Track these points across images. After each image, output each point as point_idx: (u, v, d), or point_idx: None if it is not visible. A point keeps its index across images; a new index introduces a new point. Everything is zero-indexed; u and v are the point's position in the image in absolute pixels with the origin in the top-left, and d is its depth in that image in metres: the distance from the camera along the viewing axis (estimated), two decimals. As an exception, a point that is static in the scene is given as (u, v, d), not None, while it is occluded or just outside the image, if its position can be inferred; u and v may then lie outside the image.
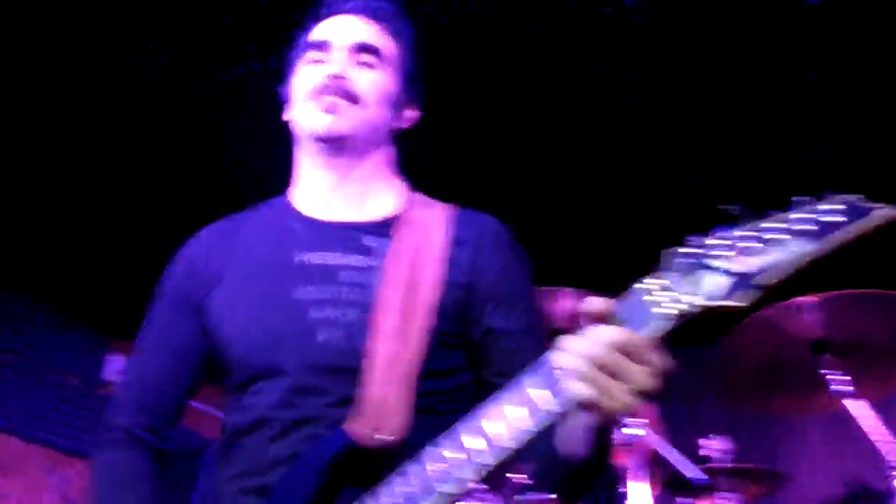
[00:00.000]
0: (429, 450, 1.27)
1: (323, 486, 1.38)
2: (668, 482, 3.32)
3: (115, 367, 6.14)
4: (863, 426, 2.90)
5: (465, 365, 1.57)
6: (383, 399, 1.41)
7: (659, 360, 1.12)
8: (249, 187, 2.35)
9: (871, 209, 1.02)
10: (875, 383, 2.90)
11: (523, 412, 1.19)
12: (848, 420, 2.88)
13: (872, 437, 2.82)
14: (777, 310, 2.84)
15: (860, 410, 2.89)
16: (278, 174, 1.79)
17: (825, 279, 2.74)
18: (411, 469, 1.28)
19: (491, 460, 1.21)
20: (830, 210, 1.02)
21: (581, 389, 1.12)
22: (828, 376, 2.91)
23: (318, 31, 1.70)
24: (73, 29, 3.57)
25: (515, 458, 1.33)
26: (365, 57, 1.66)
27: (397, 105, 1.70)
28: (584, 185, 4.39)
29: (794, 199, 1.06)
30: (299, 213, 1.66)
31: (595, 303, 1.13)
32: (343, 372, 1.46)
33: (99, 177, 4.59)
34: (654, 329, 1.11)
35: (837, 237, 1.02)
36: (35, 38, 3.62)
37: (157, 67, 3.78)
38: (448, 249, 1.56)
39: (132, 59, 3.72)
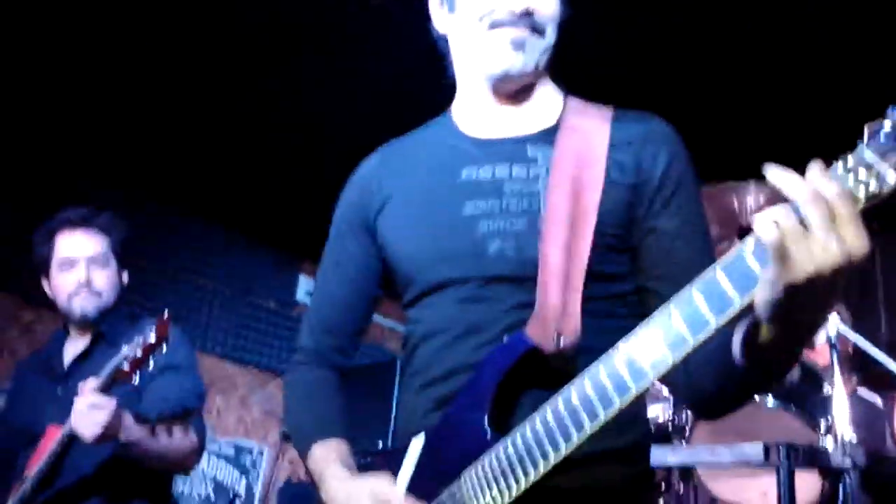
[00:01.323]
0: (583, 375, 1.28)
1: (505, 389, 1.40)
2: (870, 378, 3.16)
3: (307, 287, 6.45)
4: None
5: (632, 268, 1.54)
6: (558, 304, 1.42)
7: (862, 228, 1.03)
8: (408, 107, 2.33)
9: None
10: None
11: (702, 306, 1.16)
12: None
13: None
14: None
15: None
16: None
17: None
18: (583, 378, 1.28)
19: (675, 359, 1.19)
20: None
21: (781, 239, 1.04)
22: None
23: None
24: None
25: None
26: None
27: (564, 16, 1.65)
28: (768, 73, 4.13)
29: None
30: (462, 132, 1.67)
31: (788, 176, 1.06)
32: (515, 281, 1.47)
33: (276, 106, 4.77)
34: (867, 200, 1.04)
35: None
36: None
37: None
38: (611, 151, 1.54)
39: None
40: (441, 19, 1.70)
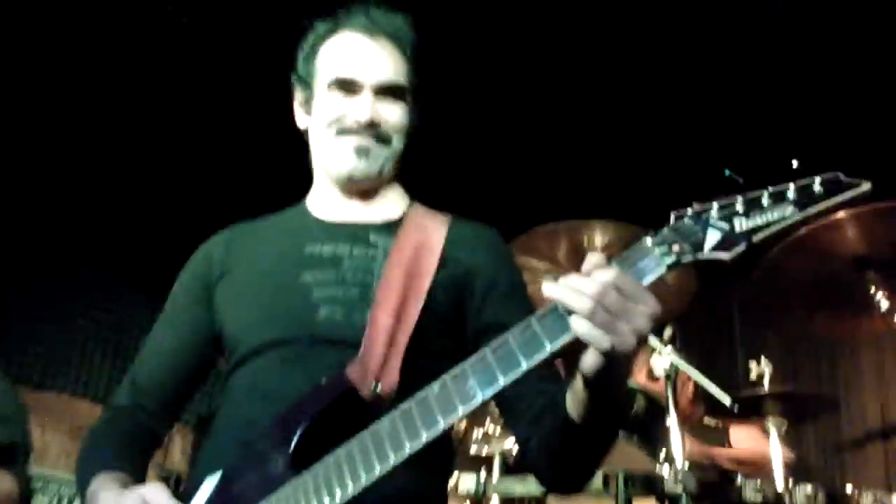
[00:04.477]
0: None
1: (318, 429, 1.42)
2: (709, 410, 3.29)
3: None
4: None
5: (457, 352, 1.57)
6: (381, 355, 1.50)
7: (655, 305, 1.22)
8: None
9: (849, 185, 1.19)
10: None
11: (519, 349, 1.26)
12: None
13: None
14: (816, 227, 2.73)
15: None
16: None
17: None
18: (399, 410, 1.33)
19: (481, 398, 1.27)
20: (815, 184, 1.20)
21: (583, 326, 1.19)
22: (874, 294, 2.83)
23: (345, 67, 1.73)
24: None
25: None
26: (391, 93, 1.74)
27: (412, 127, 1.79)
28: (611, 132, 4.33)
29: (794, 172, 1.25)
30: (312, 215, 1.79)
31: (596, 258, 1.24)
32: (340, 344, 1.54)
33: (156, 149, 4.74)
34: (656, 274, 1.24)
35: (819, 207, 1.20)
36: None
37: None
38: (446, 248, 1.66)
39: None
40: (301, 118, 1.84)
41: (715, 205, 1.24)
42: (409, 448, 1.27)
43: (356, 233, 1.71)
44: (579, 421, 1.35)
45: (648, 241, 1.24)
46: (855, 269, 2.87)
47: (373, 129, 1.70)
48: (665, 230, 1.24)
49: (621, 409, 1.43)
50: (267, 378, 1.57)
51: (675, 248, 1.22)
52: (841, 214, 2.70)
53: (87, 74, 4.32)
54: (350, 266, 1.64)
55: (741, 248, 1.20)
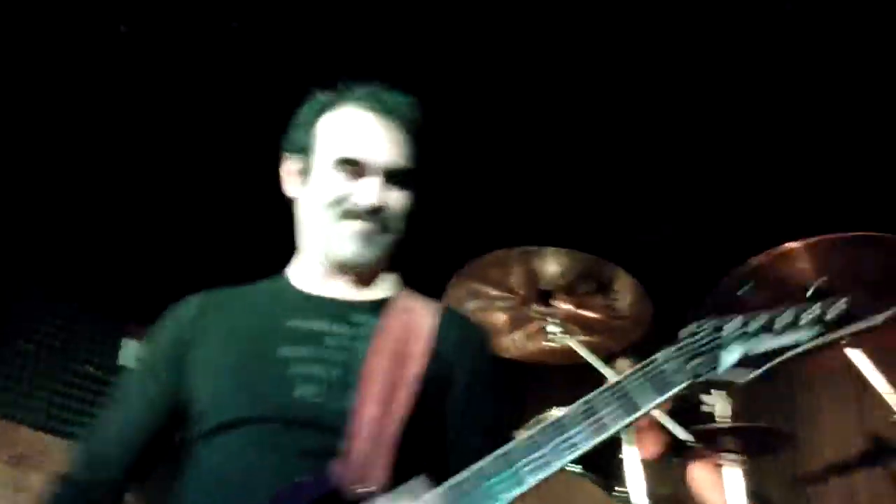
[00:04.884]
0: None
1: None
2: (667, 444, 3.23)
3: (131, 351, 6.16)
4: (868, 377, 2.77)
5: (440, 447, 1.58)
6: (367, 454, 1.41)
7: None
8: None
9: (870, 312, 1.25)
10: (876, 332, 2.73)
11: None
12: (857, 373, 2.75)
13: (879, 389, 2.70)
14: (768, 257, 2.68)
15: (865, 361, 2.76)
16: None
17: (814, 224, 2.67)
18: None
19: None
20: (832, 309, 1.26)
21: None
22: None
23: (353, 147, 1.66)
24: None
25: None
26: (399, 178, 1.68)
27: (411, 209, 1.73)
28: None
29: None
30: (294, 287, 1.71)
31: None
32: (317, 427, 1.46)
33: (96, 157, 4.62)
34: (669, 394, 1.29)
35: (836, 334, 1.27)
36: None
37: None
38: (433, 340, 1.59)
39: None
40: (292, 187, 1.74)
41: (732, 323, 1.28)
42: None
43: (341, 309, 1.64)
44: None
45: (668, 354, 1.30)
46: (810, 301, 2.82)
47: (377, 214, 1.63)
48: (683, 344, 1.30)
49: None
50: (235, 462, 1.47)
51: (694, 363, 1.27)
52: (794, 245, 2.65)
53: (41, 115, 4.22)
54: (331, 344, 1.56)
55: (757, 372, 1.27)
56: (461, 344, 1.64)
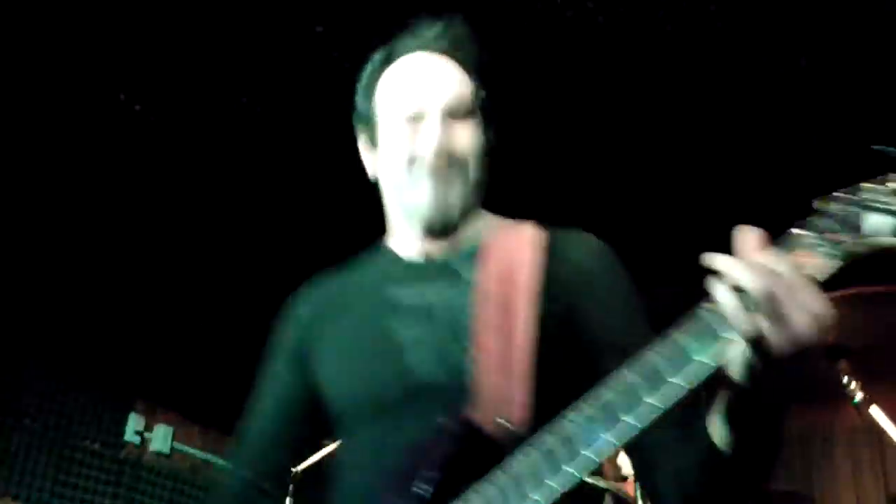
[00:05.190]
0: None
1: (446, 475, 1.33)
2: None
3: (136, 426, 6.11)
4: (891, 434, 2.72)
5: (576, 374, 1.47)
6: (499, 389, 1.38)
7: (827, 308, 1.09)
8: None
9: None
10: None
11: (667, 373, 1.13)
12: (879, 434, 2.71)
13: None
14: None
15: (885, 419, 2.71)
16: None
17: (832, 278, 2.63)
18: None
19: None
20: None
21: (746, 321, 1.08)
22: (848, 384, 2.74)
23: (407, 97, 1.62)
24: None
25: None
26: (461, 115, 1.62)
27: (489, 147, 1.67)
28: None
29: None
30: (395, 254, 1.69)
31: (751, 235, 1.12)
32: (438, 389, 1.44)
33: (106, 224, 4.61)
34: (818, 272, 1.12)
35: None
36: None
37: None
38: (543, 273, 1.53)
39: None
40: (368, 159, 1.72)
41: (867, 186, 1.12)
42: (555, 487, 1.19)
43: (440, 268, 1.60)
44: (727, 448, 1.24)
45: (802, 233, 1.12)
46: (827, 359, 2.78)
47: (448, 157, 1.57)
48: (817, 219, 1.13)
49: (777, 434, 1.26)
50: (375, 451, 1.49)
51: (836, 237, 1.10)
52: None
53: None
54: (438, 305, 1.53)
55: None
56: (580, 266, 1.55)
